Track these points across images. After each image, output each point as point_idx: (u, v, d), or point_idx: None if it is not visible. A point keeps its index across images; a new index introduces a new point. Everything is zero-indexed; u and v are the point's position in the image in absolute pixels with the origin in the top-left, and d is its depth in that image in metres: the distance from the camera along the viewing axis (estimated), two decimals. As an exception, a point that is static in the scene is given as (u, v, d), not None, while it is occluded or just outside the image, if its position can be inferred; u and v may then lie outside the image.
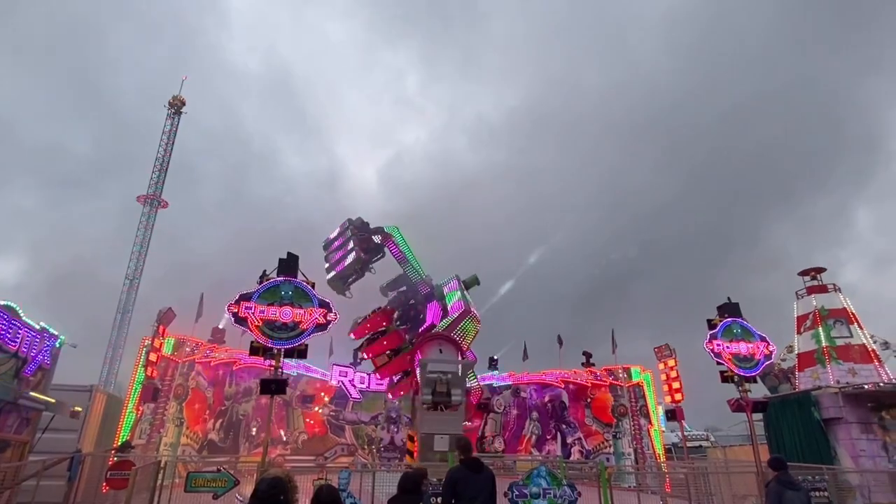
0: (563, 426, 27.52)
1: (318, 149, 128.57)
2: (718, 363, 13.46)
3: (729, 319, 14.03)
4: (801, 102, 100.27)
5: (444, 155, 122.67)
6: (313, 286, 14.36)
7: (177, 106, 57.84)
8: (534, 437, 28.09)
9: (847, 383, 16.49)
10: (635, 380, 26.09)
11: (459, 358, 15.76)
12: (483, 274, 22.53)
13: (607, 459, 24.10)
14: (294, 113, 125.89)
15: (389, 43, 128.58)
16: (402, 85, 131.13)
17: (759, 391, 18.61)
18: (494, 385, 28.36)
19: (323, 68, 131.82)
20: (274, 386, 12.36)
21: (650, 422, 25.14)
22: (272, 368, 12.69)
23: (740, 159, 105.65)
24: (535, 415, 28.39)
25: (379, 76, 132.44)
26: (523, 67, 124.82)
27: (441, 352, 15.89)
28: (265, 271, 14.16)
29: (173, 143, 56.41)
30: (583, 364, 28.87)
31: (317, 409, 26.13)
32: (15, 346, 10.61)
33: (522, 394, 28.75)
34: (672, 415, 20.79)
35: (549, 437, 27.79)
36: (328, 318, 13.88)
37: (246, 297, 13.23)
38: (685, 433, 24.06)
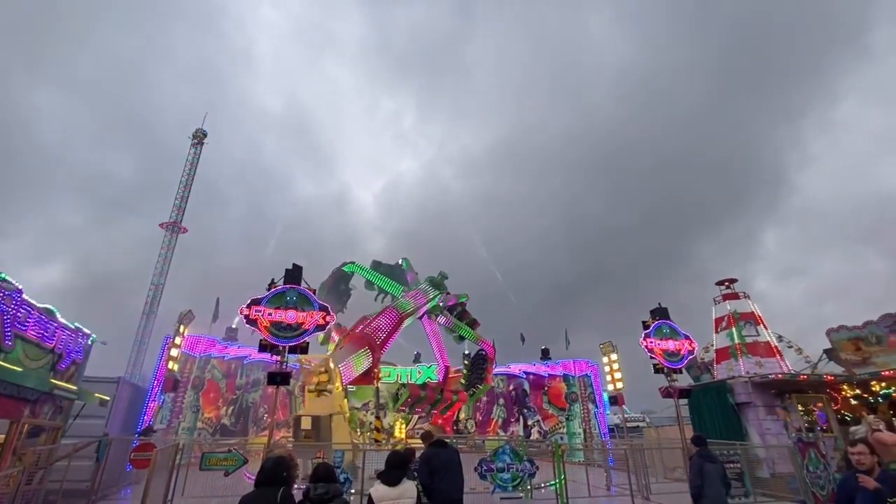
0: (525, 411, 27.54)
1: (328, 175, 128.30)
2: (651, 357, 13.69)
3: (660, 321, 14.32)
4: (726, 147, 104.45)
5: (433, 181, 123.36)
6: (314, 292, 14.28)
7: (199, 137, 56.92)
8: (500, 420, 28.04)
9: (755, 374, 16.91)
10: (585, 371, 26.30)
11: (368, 353, 15.67)
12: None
13: (561, 438, 24.16)
14: (308, 146, 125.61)
15: (390, 88, 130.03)
16: (399, 123, 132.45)
17: (684, 381, 18.91)
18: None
19: (334, 108, 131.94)
20: (279, 378, 12.18)
21: (597, 405, 25.35)
22: (278, 363, 12.54)
23: (676, 192, 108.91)
24: (501, 401, 28.36)
25: (380, 116, 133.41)
26: (501, 111, 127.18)
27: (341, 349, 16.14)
28: (273, 279, 14.06)
29: (195, 171, 55.20)
30: (541, 358, 29.01)
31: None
32: (52, 343, 10.29)
33: (491, 384, 28.75)
34: (614, 400, 21.01)
35: (512, 420, 27.76)
36: (327, 319, 13.80)
37: (256, 302, 13.07)
38: (625, 415, 24.33)
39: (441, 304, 19.46)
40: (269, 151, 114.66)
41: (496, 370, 28.66)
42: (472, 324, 19.57)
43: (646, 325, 14.22)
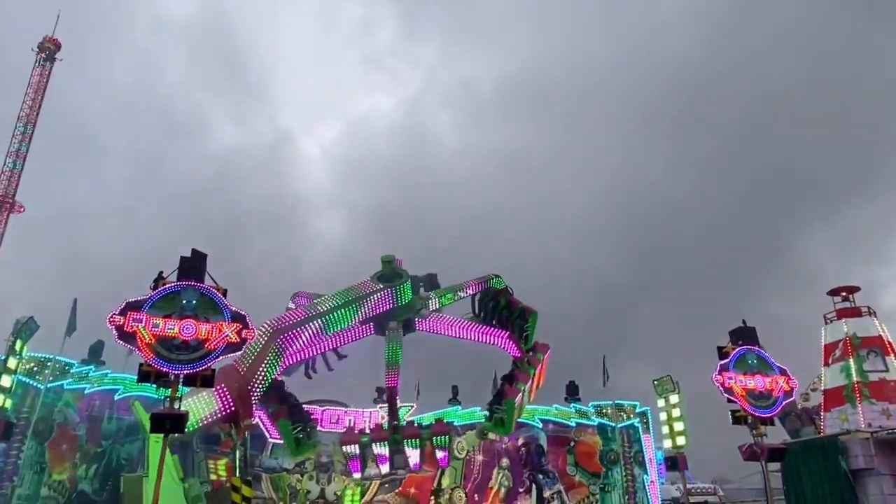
0: (540, 476, 27.85)
1: (260, 118, 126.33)
2: (729, 400, 13.94)
3: (743, 347, 14.56)
4: (843, 92, 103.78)
5: (418, 131, 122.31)
6: (225, 294, 14.16)
7: (48, 50, 55.39)
8: (503, 489, 28.27)
9: (880, 427, 17.32)
10: (629, 420, 26.69)
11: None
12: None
13: (593, 519, 24.58)
14: (231, 72, 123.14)
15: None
16: (370, 40, 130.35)
17: (776, 435, 19.39)
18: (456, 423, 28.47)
19: (271, 15, 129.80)
20: (169, 422, 12.20)
21: (647, 472, 25.77)
22: (168, 400, 12.49)
23: (769, 157, 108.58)
24: (504, 462, 28.60)
25: (342, 28, 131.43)
26: (522, 27, 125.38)
27: None
28: (161, 273, 13.88)
29: (40, 105, 53.61)
30: (566, 398, 29.28)
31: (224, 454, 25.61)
32: None
33: (490, 435, 28.98)
34: (673, 463, 21.31)
35: (521, 491, 28.04)
36: (243, 335, 13.75)
37: (135, 307, 12.94)
38: (688, 485, 24.73)
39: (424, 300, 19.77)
40: (171, 80, 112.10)
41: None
42: (523, 314, 19.39)
43: (723, 353, 14.45)
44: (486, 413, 20.53)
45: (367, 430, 19.90)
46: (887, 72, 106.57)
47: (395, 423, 19.35)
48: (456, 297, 20.85)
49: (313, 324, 17.34)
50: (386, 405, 28.30)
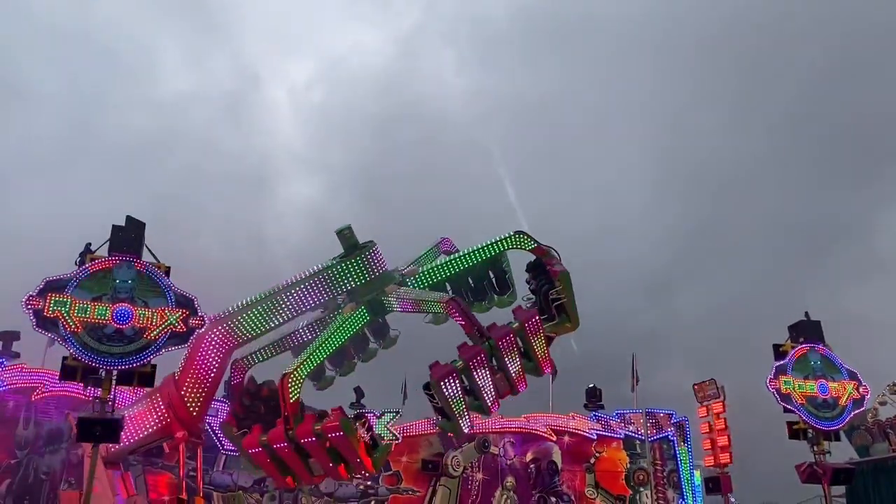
0: (553, 499, 28.14)
1: (219, 58, 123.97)
2: (786, 410, 14.02)
3: (805, 345, 14.62)
4: None
5: (413, 73, 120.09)
6: (168, 272, 14.12)
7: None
8: (507, 514, 28.66)
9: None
10: (662, 432, 26.89)
11: None
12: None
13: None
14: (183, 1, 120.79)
15: None
16: None
17: (841, 452, 19.53)
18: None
19: None
20: (100, 429, 12.25)
21: (683, 495, 26.03)
22: (97, 401, 12.51)
23: (858, 113, 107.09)
24: (510, 481, 28.89)
25: None
26: None
27: None
28: (89, 245, 13.82)
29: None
30: (586, 405, 29.47)
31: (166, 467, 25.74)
32: None
33: (493, 449, 29.19)
34: (715, 485, 21.48)
35: (530, 516, 28.41)
36: (190, 323, 13.74)
37: (57, 287, 12.89)
38: (733, 512, 24.98)
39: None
40: (110, 12, 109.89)
41: (501, 424, 29.14)
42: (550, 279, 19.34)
43: (780, 353, 14.49)
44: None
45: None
46: None
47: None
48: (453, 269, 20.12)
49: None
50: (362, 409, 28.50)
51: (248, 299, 17.76)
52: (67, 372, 12.64)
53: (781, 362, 14.54)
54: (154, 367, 13.35)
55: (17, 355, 25.12)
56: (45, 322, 12.49)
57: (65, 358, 12.60)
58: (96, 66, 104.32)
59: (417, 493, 27.53)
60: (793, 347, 14.72)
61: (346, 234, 18.94)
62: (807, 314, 15.52)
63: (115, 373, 12.69)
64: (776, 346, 14.86)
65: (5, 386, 23.74)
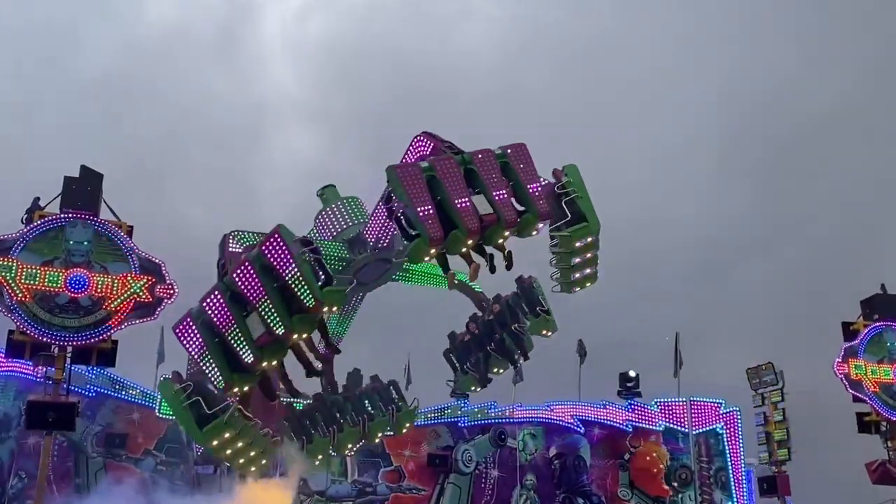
0: (580, 500, 28.25)
1: None
2: (856, 398, 13.86)
3: (880, 324, 14.35)
4: None
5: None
6: (130, 233, 14.00)
7: None
8: (528, 515, 28.79)
9: None
10: (709, 424, 26.84)
11: None
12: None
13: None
14: None
15: None
16: None
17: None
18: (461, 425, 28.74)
19: None
20: (52, 415, 12.23)
21: (732, 497, 26.05)
22: (48, 381, 12.49)
23: None
24: (530, 479, 28.98)
25: None
26: None
27: None
28: (37, 200, 13.69)
29: None
30: (620, 392, 29.44)
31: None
32: None
33: (510, 441, 29.28)
34: (771, 485, 21.40)
35: (553, 518, 28.57)
36: (157, 292, 13.63)
37: (0, 249, 12.79)
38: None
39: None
40: None
41: (520, 413, 29.14)
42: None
43: (850, 332, 14.25)
44: None
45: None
46: None
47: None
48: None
49: None
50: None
51: None
52: (14, 348, 12.62)
53: (851, 343, 14.32)
54: (115, 342, 13.31)
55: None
56: (-16, 289, 12.43)
57: (10, 331, 12.56)
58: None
59: (423, 492, 27.58)
60: (865, 326, 14.48)
61: (325, 198, 19.06)
62: (883, 287, 15.28)
63: (69, 349, 12.66)
64: (846, 325, 14.64)
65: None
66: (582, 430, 28.55)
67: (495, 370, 21.35)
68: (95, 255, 12.83)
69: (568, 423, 28.66)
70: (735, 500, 26.19)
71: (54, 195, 13.28)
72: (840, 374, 13.82)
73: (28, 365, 13.44)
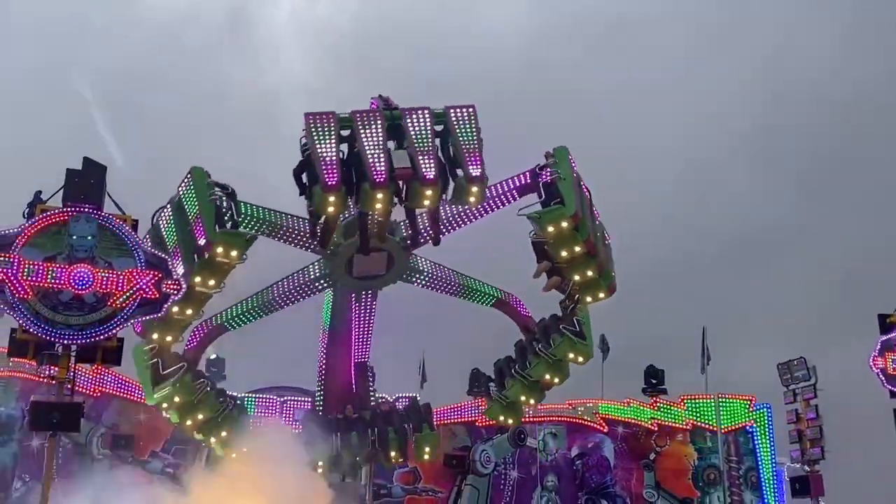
0: (604, 501, 28.31)
1: None
2: (893, 393, 13.81)
3: (919, 316, 14.35)
4: None
5: None
6: (136, 227, 14.06)
7: None
8: (551, 519, 28.85)
9: None
10: (739, 422, 26.83)
11: None
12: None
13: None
14: None
15: None
16: None
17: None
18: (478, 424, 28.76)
19: None
20: (57, 416, 12.31)
21: (763, 498, 26.04)
22: (53, 382, 12.57)
23: None
24: (551, 480, 29.04)
25: None
26: None
27: None
28: (39, 193, 13.75)
29: None
30: (645, 390, 29.46)
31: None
32: None
33: (530, 441, 29.32)
34: (803, 486, 21.36)
35: (576, 521, 28.63)
36: (164, 288, 13.67)
37: (1, 245, 12.83)
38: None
39: None
40: None
41: (541, 413, 29.12)
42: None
43: (887, 325, 14.20)
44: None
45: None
46: None
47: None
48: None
49: None
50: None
51: None
52: (17, 347, 12.68)
53: (888, 337, 14.26)
54: (121, 340, 13.38)
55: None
56: (-14, 286, 12.50)
57: (13, 330, 12.62)
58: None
59: (440, 494, 27.72)
60: (903, 321, 14.42)
61: None
62: (921, 277, 15.23)
63: (73, 348, 12.73)
64: (882, 317, 14.56)
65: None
66: (605, 429, 28.55)
67: (522, 398, 21.74)
68: (100, 250, 12.85)
69: (591, 421, 28.67)
70: (766, 500, 26.17)
71: (58, 188, 13.25)
72: (876, 368, 13.79)
73: (31, 365, 13.48)
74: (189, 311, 15.76)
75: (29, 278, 12.46)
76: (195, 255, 15.48)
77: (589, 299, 19.62)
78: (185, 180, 15.86)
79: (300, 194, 16.82)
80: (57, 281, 12.64)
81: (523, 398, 21.50)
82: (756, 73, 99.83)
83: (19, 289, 12.33)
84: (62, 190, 13.27)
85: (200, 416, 19.19)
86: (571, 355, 20.61)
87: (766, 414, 26.81)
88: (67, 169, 13.20)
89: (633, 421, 28.15)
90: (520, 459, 28.86)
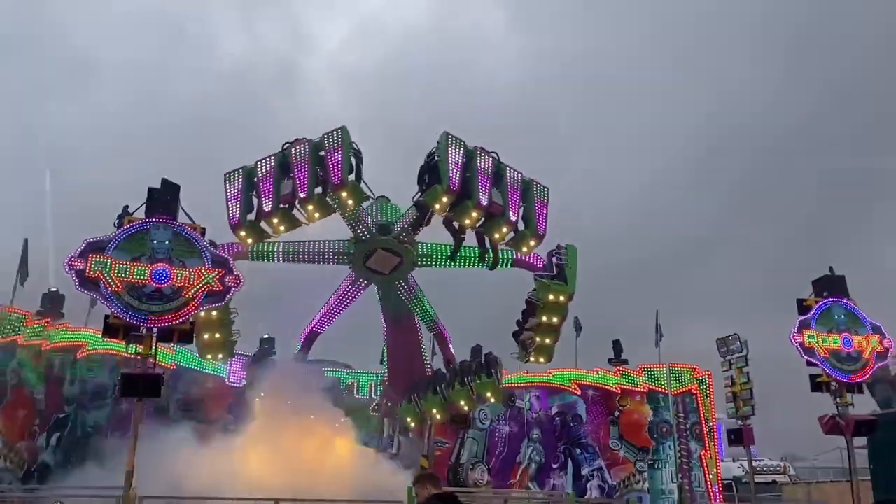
0: (577, 451, 28.32)
1: (273, 24, 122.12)
2: (809, 363, 13.90)
3: (829, 300, 14.45)
4: None
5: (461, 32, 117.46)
6: (203, 233, 14.22)
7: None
8: (533, 465, 28.75)
9: None
10: (686, 386, 26.86)
11: None
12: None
13: (639, 500, 25.03)
14: None
15: None
16: None
17: (863, 405, 19.37)
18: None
19: None
20: (142, 385, 12.44)
21: (704, 446, 26.07)
22: (139, 358, 12.72)
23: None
24: (535, 433, 29.07)
25: None
26: None
27: None
28: (126, 207, 13.95)
29: None
30: (611, 360, 29.48)
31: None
32: None
33: (518, 402, 29.34)
34: (737, 436, 21.47)
35: (555, 467, 28.58)
36: (227, 282, 13.84)
37: (97, 248, 13.00)
38: (754, 463, 24.91)
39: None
40: None
41: (524, 377, 29.20)
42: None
43: (804, 307, 14.35)
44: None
45: None
46: None
47: None
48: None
49: None
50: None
51: None
52: (110, 330, 12.79)
53: (805, 317, 14.38)
54: (193, 324, 13.49)
55: (62, 315, 25.54)
56: (86, 282, 12.64)
57: (107, 316, 12.74)
58: (161, 36, 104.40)
59: (447, 445, 27.83)
60: (816, 302, 14.49)
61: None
62: (831, 269, 15.32)
63: (155, 330, 12.84)
64: (800, 301, 14.71)
65: (52, 344, 24.23)
66: (579, 393, 28.65)
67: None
68: (175, 252, 13.08)
69: (567, 386, 28.75)
70: (707, 448, 26.24)
71: (140, 203, 13.42)
72: (795, 342, 13.85)
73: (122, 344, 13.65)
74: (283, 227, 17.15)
75: (119, 275, 12.68)
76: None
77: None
78: (333, 132, 16.79)
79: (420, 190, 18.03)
80: (141, 277, 12.78)
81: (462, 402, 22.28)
82: (699, 122, 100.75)
83: (111, 284, 12.51)
84: (145, 205, 13.35)
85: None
86: (489, 394, 22.14)
87: (707, 380, 26.79)
88: (149, 188, 13.39)
89: (601, 386, 28.30)
90: (510, 417, 28.94)
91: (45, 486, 22.03)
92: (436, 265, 22.67)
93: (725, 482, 28.70)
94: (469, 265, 21.96)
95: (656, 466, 26.67)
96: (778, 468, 42.95)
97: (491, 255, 19.95)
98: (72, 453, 24.00)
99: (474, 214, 17.77)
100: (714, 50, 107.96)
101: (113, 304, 12.55)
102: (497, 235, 18.66)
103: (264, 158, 17.35)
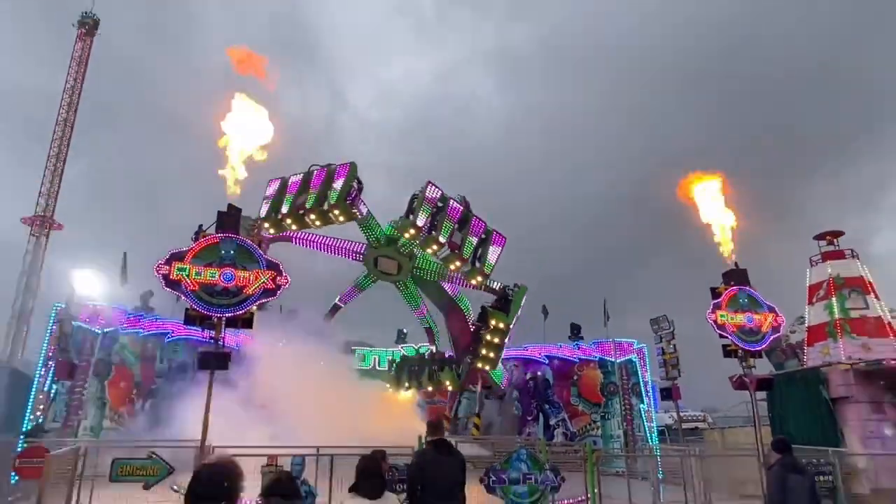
0: (546, 406, 28.32)
1: (315, 87, 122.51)
2: (721, 336, 13.92)
3: (735, 287, 14.48)
4: (872, 56, 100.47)
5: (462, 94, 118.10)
6: (259, 245, 14.36)
7: (88, 24, 54.66)
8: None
9: (860, 360, 17.26)
10: (628, 356, 26.87)
11: None
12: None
13: (594, 443, 24.98)
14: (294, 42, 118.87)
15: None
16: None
17: (763, 368, 19.40)
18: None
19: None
20: (214, 360, 12.42)
21: (643, 401, 26.11)
22: (212, 340, 12.69)
23: (791, 114, 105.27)
24: (515, 393, 29.10)
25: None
26: None
27: None
28: (201, 226, 14.07)
29: (84, 76, 53.20)
30: (570, 337, 29.50)
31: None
32: None
33: (503, 370, 29.35)
34: (668, 393, 21.57)
35: (529, 419, 28.61)
36: (278, 281, 13.87)
37: (178, 257, 13.03)
38: (681, 413, 24.95)
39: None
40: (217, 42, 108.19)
41: (507, 353, 29.23)
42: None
43: (716, 294, 14.38)
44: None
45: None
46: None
47: None
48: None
49: None
50: (407, 345, 28.59)
51: None
52: (189, 319, 12.75)
53: (717, 300, 14.38)
54: (252, 314, 13.49)
55: (152, 309, 25.59)
56: (170, 283, 12.61)
57: (187, 309, 12.73)
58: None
59: (446, 403, 27.93)
60: (725, 289, 14.53)
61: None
62: (736, 264, 15.41)
63: (224, 319, 12.84)
64: (713, 289, 14.74)
65: (146, 332, 24.30)
66: (546, 362, 28.64)
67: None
68: (238, 259, 13.07)
69: (537, 357, 28.75)
70: (645, 403, 26.27)
71: (211, 223, 13.47)
72: (710, 320, 13.88)
73: (199, 330, 13.68)
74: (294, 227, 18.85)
75: (196, 277, 12.60)
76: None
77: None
78: (344, 164, 18.25)
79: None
80: (213, 279, 12.73)
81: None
82: (636, 156, 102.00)
83: (190, 284, 12.45)
84: (215, 223, 13.39)
85: None
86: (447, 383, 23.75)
87: (644, 350, 26.83)
88: (218, 211, 13.41)
89: (563, 357, 28.17)
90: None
91: (141, 439, 21.96)
92: (426, 276, 23.07)
93: (659, 429, 28.68)
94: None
95: (606, 417, 26.64)
96: (699, 417, 43.06)
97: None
98: (161, 415, 24.00)
99: (435, 247, 18.36)
100: (657, 101, 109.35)
101: (192, 300, 12.54)
102: (452, 267, 19.37)
103: (295, 174, 17.97)
